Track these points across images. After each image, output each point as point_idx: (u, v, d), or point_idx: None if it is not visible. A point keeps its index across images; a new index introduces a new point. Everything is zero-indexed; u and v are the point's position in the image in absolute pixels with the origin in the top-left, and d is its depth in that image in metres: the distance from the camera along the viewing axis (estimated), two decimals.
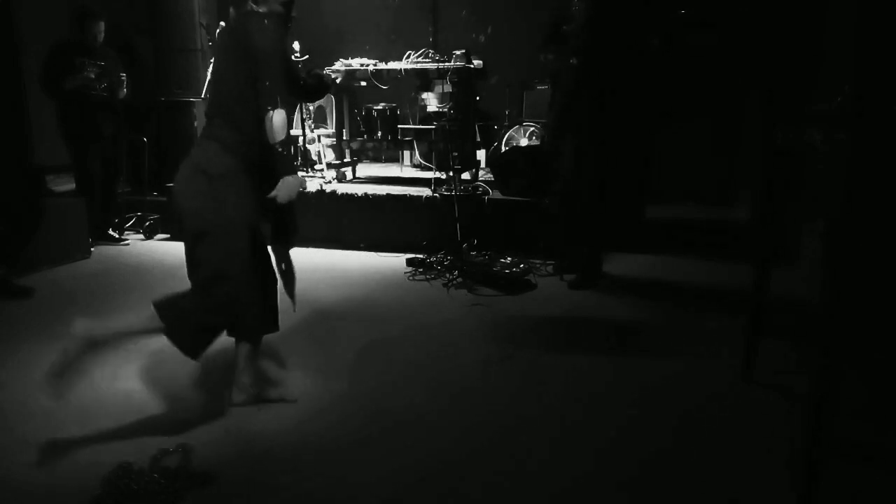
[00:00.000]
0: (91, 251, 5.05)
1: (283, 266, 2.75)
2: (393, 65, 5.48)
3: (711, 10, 5.68)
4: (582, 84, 3.97)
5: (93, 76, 4.97)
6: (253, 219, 2.48)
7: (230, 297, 2.43)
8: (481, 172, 5.77)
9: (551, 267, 4.55)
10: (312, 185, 5.37)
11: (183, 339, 2.39)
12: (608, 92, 3.99)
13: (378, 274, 4.57)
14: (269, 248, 2.66)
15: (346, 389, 2.82)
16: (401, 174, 6.14)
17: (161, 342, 2.43)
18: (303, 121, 5.79)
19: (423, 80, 5.76)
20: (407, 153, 6.54)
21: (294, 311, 2.85)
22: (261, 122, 2.37)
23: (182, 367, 2.79)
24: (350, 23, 6.84)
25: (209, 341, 2.46)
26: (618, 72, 4.04)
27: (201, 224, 2.40)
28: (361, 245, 5.18)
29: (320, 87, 3.05)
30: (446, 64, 5.27)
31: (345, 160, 5.91)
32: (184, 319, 2.38)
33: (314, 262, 4.86)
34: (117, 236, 5.54)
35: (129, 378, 2.90)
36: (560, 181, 4.32)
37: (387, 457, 2.31)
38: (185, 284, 2.47)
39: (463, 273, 4.36)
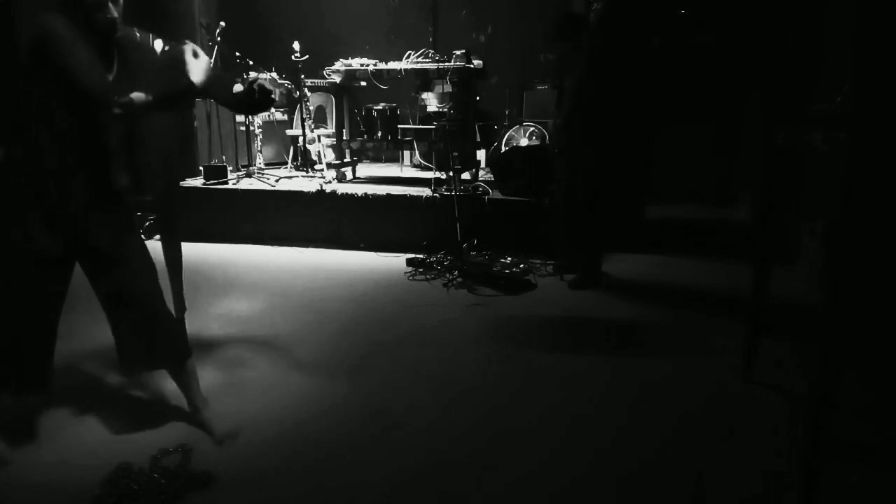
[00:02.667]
0: None
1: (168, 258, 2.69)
2: (393, 65, 5.48)
3: (711, 11, 5.68)
4: (590, 84, 3.97)
5: None
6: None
7: None
8: (481, 172, 5.77)
9: (551, 267, 4.55)
10: (313, 185, 5.36)
11: None
12: (611, 92, 3.99)
13: (378, 274, 4.57)
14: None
15: (345, 390, 2.82)
16: (401, 174, 6.14)
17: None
18: (303, 121, 5.79)
19: (423, 80, 5.76)
20: (407, 153, 6.55)
21: (182, 316, 2.79)
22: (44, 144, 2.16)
23: None
24: (350, 23, 6.84)
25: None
26: (624, 72, 4.03)
27: None
28: (361, 245, 5.18)
29: (260, 101, 2.35)
30: (446, 64, 5.27)
31: (345, 160, 5.91)
32: None
33: (314, 263, 4.87)
34: None
35: (129, 378, 2.90)
36: (560, 181, 4.32)
37: (387, 457, 2.31)
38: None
39: (463, 273, 4.36)
